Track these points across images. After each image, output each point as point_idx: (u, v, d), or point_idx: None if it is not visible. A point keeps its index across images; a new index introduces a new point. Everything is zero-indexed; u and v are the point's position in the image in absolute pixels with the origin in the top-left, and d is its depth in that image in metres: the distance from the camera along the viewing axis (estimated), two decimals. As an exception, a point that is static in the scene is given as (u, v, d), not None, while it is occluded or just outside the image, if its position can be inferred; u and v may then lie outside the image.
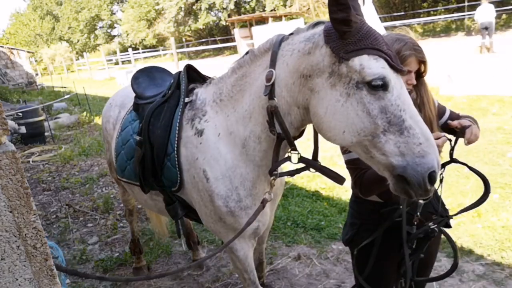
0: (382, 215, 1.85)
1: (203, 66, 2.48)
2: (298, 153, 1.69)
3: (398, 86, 1.39)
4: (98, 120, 10.60)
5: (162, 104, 2.08)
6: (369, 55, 1.37)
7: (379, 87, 1.35)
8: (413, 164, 1.34)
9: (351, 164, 1.81)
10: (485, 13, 13.44)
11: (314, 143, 1.76)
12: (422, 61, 1.73)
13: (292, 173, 1.78)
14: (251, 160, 1.81)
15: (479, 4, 14.44)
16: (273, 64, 1.60)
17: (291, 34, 1.65)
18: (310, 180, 4.93)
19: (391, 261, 1.93)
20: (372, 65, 1.36)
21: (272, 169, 1.73)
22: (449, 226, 1.96)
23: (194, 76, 2.19)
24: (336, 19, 1.37)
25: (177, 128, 1.97)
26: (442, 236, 1.93)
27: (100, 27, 50.60)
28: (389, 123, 1.36)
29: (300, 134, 1.78)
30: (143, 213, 4.51)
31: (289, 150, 1.70)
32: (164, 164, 2.01)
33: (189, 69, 2.18)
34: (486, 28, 13.30)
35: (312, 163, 1.71)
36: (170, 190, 2.08)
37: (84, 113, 11.81)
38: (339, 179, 1.69)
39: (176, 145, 1.96)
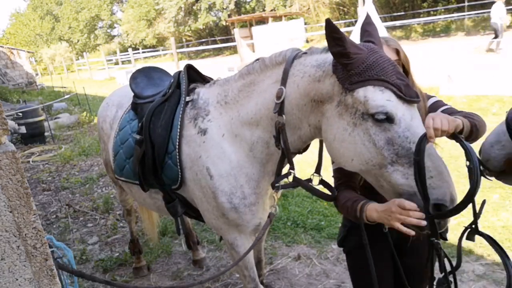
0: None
1: (203, 66, 2.50)
2: (293, 173, 1.75)
3: (408, 117, 1.35)
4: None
5: (163, 103, 2.10)
6: (374, 86, 1.36)
7: (383, 120, 1.34)
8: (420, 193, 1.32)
9: (335, 173, 1.81)
10: (499, 12, 13.25)
11: (318, 156, 1.83)
12: (396, 50, 1.68)
13: (290, 186, 1.82)
14: (258, 162, 1.86)
15: (479, 5, 14.36)
16: (284, 82, 1.63)
17: (305, 53, 1.66)
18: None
19: (384, 265, 1.89)
20: (376, 97, 1.35)
21: (275, 182, 1.80)
22: (444, 239, 1.83)
23: (194, 76, 2.21)
24: (333, 53, 1.39)
25: (179, 127, 1.99)
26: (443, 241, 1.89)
27: (100, 27, 50.57)
28: (397, 155, 1.35)
29: (306, 148, 1.83)
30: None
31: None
32: (165, 162, 2.04)
33: (189, 69, 2.20)
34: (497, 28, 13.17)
35: (303, 184, 1.77)
36: (170, 188, 2.10)
37: (84, 113, 11.81)
38: (328, 198, 1.74)
39: (177, 143, 1.98)
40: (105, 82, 24.51)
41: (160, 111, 2.08)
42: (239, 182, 1.89)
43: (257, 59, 1.85)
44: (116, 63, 34.67)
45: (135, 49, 35.37)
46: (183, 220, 2.29)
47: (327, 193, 1.75)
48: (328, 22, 1.34)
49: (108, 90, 17.72)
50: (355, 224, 1.87)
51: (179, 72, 2.18)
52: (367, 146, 1.38)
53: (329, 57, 1.51)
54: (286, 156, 1.70)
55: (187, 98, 2.06)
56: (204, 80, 2.24)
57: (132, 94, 2.43)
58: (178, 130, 1.99)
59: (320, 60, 1.56)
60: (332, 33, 1.35)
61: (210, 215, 2.04)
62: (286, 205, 4.29)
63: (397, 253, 1.83)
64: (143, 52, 34.68)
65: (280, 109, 1.62)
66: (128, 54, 23.96)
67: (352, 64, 1.37)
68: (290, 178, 1.76)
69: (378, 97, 1.34)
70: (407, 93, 1.35)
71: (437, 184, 1.29)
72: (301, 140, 1.71)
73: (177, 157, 1.99)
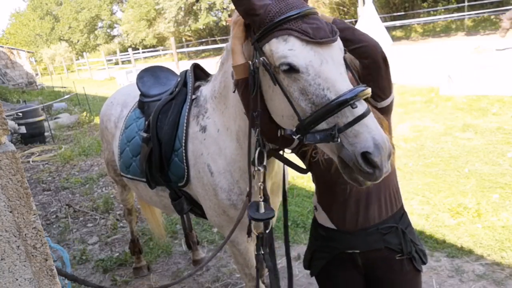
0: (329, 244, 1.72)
1: (203, 66, 2.50)
2: (269, 146, 1.70)
3: (317, 63, 1.26)
4: (98, 120, 10.60)
5: (170, 101, 2.13)
6: (277, 38, 1.30)
7: (289, 70, 1.28)
8: (347, 144, 1.23)
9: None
10: None
11: None
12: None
13: (268, 156, 1.72)
14: (245, 153, 1.81)
15: (479, 5, 14.25)
16: None
17: None
18: (310, 180, 4.92)
19: None
20: (278, 49, 1.29)
21: (253, 159, 1.69)
22: (423, 263, 1.71)
23: (200, 75, 2.23)
24: (240, 12, 1.38)
25: (185, 125, 2.02)
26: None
27: (100, 27, 50.58)
28: (313, 104, 1.27)
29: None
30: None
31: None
32: (172, 160, 2.06)
33: (196, 67, 2.22)
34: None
35: (277, 155, 1.77)
36: (177, 185, 2.12)
37: (84, 113, 11.80)
38: (300, 170, 1.73)
39: (184, 141, 2.01)
40: (105, 82, 24.50)
41: (167, 109, 2.10)
42: (235, 178, 1.90)
43: (225, 47, 1.82)
44: (116, 63, 34.66)
45: (135, 49, 35.34)
46: (188, 218, 2.30)
47: (301, 166, 1.73)
48: None
49: (108, 90, 17.72)
50: (319, 248, 1.79)
51: (186, 71, 2.20)
52: (286, 100, 1.32)
53: None
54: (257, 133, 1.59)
55: (193, 96, 2.08)
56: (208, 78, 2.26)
57: (137, 93, 2.46)
58: (184, 127, 2.02)
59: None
60: None
61: (213, 212, 2.05)
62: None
63: (371, 285, 1.72)
64: (143, 52, 34.68)
65: (237, 86, 1.57)
66: (128, 54, 23.95)
67: (259, 18, 1.33)
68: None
69: (280, 48, 1.28)
70: (317, 35, 1.26)
71: (357, 130, 1.21)
72: None
73: (183, 154, 2.01)
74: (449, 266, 3.04)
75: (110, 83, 22.48)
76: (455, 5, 23.96)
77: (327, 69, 1.27)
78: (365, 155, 1.20)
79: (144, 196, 2.54)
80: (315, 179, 1.77)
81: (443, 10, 24.86)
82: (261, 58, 1.34)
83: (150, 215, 3.45)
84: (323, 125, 1.27)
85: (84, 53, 37.00)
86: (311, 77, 1.26)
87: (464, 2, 21.28)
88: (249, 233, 1.74)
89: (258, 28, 1.35)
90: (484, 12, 19.40)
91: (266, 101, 1.45)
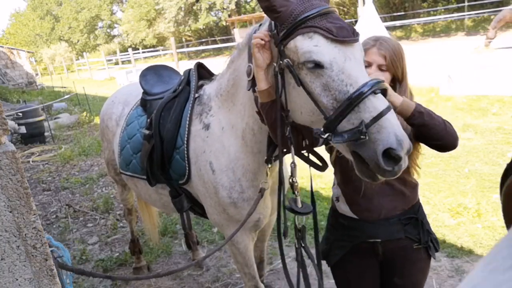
0: (352, 233, 1.77)
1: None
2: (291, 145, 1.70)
3: (341, 59, 1.30)
4: (98, 120, 10.59)
5: (173, 99, 2.14)
6: (303, 35, 1.34)
7: (314, 66, 1.32)
8: (368, 141, 1.24)
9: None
10: None
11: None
12: (384, 55, 1.59)
13: (280, 157, 1.72)
14: (250, 151, 1.86)
15: (479, 5, 14.19)
16: (250, 58, 1.62)
17: (261, 24, 1.66)
18: (308, 181, 4.92)
19: (370, 284, 1.83)
20: (303, 45, 1.33)
21: (267, 158, 1.81)
22: (437, 250, 1.81)
23: (203, 74, 2.24)
24: (263, 7, 1.40)
25: (187, 122, 2.03)
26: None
27: (100, 27, 50.59)
28: (335, 100, 1.30)
29: None
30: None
31: None
32: (173, 157, 2.07)
33: (199, 66, 2.23)
34: None
35: (299, 153, 1.73)
36: (177, 183, 2.13)
37: (84, 113, 11.80)
38: (318, 167, 1.72)
39: (186, 139, 2.02)
40: (105, 82, 24.50)
41: (170, 107, 2.12)
42: (237, 176, 1.91)
43: (237, 46, 1.86)
44: (116, 63, 34.66)
45: (135, 49, 35.35)
46: (188, 217, 2.31)
47: (318, 163, 1.73)
48: None
49: (108, 90, 17.71)
50: (339, 237, 1.84)
51: (190, 70, 2.22)
52: (308, 96, 1.37)
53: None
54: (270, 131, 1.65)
55: (196, 95, 2.10)
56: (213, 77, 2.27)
57: (139, 91, 2.48)
58: (187, 125, 2.03)
59: (268, 25, 1.55)
60: None
61: (213, 210, 2.06)
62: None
63: (386, 271, 1.79)
64: (143, 52, 34.67)
65: (253, 85, 1.62)
66: (128, 54, 23.96)
67: (280, 17, 1.38)
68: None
69: (305, 45, 1.33)
70: (340, 34, 1.31)
71: (380, 125, 1.22)
72: None
73: (185, 152, 2.03)
74: (449, 266, 3.04)
75: (110, 83, 22.48)
76: (455, 5, 23.96)
77: (350, 66, 1.30)
78: (387, 151, 1.22)
79: (143, 194, 2.55)
80: (339, 173, 1.79)
81: (443, 10, 24.87)
82: (285, 60, 1.38)
83: (147, 215, 3.45)
84: (348, 125, 1.28)
85: (84, 53, 37.00)
86: (334, 73, 1.30)
87: (464, 2, 21.28)
88: (285, 234, 1.82)
89: (282, 27, 1.39)
90: (484, 12, 19.39)
91: (289, 102, 1.48)
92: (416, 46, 18.37)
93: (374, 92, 1.25)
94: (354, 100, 1.25)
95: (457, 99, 7.64)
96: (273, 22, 1.46)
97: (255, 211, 1.95)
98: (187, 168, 2.04)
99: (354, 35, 1.34)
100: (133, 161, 2.38)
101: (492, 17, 19.90)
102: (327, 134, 1.34)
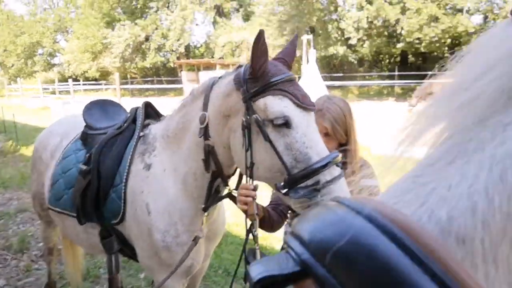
0: None
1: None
2: (229, 188, 1.83)
3: (304, 123, 1.46)
4: (25, 151, 9.82)
5: (116, 136, 2.08)
6: (274, 96, 1.48)
7: (282, 125, 1.44)
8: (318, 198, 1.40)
9: (272, 197, 1.93)
10: None
11: (239, 175, 1.86)
12: (326, 127, 1.73)
13: (218, 200, 1.89)
14: (190, 195, 1.86)
15: (408, 75, 15.76)
16: (205, 107, 1.71)
17: (221, 77, 1.77)
18: (244, 228, 4.88)
19: None
20: (275, 104, 1.46)
21: (206, 206, 1.82)
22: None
23: (151, 113, 2.22)
24: (253, 65, 1.52)
25: (129, 161, 1.98)
26: None
27: (39, 54, 48.39)
28: (295, 160, 1.43)
29: (234, 171, 1.87)
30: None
31: (223, 185, 1.84)
32: (109, 195, 1.99)
33: (147, 106, 2.22)
34: None
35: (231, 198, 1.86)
36: (110, 222, 2.02)
37: (10, 142, 10.90)
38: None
39: (125, 177, 1.96)
40: (38, 110, 23.07)
41: (112, 143, 2.06)
42: (173, 219, 1.87)
43: (191, 92, 1.92)
44: (53, 93, 32.98)
45: (75, 80, 34.09)
46: (117, 258, 2.17)
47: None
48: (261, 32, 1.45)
49: (41, 119, 16.68)
50: None
51: (137, 108, 2.20)
52: (269, 153, 1.47)
53: (240, 74, 1.62)
54: (220, 174, 1.76)
55: (141, 133, 2.06)
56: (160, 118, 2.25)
57: (80, 124, 2.37)
58: (128, 164, 1.98)
59: (232, 77, 1.67)
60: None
61: (144, 253, 1.97)
62: (219, 253, 4.18)
63: None
64: (83, 84, 33.51)
65: (205, 133, 1.69)
66: (68, 85, 22.98)
67: (257, 76, 1.51)
68: (224, 193, 1.85)
69: (276, 104, 1.46)
70: (304, 101, 1.48)
71: (331, 188, 1.40)
72: (224, 165, 1.76)
73: (123, 191, 1.95)
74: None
75: (44, 112, 21.22)
76: (387, 73, 26.44)
77: (311, 132, 1.46)
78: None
79: (70, 233, 2.37)
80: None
81: (376, 76, 27.29)
82: (254, 116, 1.49)
83: (71, 256, 3.17)
84: (306, 182, 1.42)
85: (18, 78, 34.88)
86: (299, 135, 1.44)
87: (394, 71, 23.58)
88: (245, 279, 1.77)
89: (254, 85, 1.52)
90: (411, 82, 21.56)
91: (237, 151, 1.59)
92: (351, 106, 19.73)
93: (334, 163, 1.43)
94: (321, 169, 1.39)
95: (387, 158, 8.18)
96: (242, 78, 1.57)
97: (188, 257, 1.89)
98: (122, 208, 1.96)
99: (313, 104, 1.51)
100: (64, 197, 2.23)
101: (417, 87, 22.22)
102: (286, 189, 1.44)
